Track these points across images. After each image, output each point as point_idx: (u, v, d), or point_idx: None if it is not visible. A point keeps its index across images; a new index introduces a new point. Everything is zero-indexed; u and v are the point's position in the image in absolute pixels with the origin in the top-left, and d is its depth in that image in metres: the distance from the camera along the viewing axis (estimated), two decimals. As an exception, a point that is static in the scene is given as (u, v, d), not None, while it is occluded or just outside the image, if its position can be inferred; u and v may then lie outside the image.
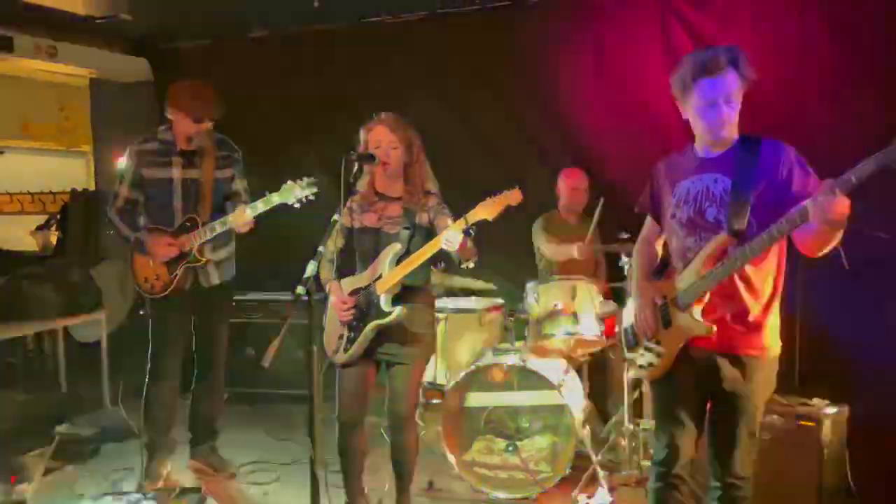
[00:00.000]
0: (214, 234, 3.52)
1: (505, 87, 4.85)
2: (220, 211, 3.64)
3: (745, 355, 2.30)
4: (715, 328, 2.28)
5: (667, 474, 2.48)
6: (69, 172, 7.81)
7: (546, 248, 4.24)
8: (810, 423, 3.07)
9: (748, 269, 2.26)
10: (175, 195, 3.55)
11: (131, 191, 3.58)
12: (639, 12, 4.40)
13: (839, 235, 2.07)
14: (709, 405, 2.44)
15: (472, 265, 2.84)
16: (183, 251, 3.52)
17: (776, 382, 2.42)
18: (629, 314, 2.60)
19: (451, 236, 2.66)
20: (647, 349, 2.48)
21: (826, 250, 2.15)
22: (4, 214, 6.92)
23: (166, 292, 3.55)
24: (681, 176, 2.41)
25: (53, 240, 6.59)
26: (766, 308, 2.32)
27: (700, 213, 2.32)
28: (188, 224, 3.54)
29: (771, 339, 2.34)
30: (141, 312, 4.26)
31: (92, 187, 6.68)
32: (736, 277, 2.26)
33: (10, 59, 5.20)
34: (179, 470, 3.85)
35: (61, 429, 4.15)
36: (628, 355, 2.61)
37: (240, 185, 3.74)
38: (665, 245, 2.58)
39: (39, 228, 6.82)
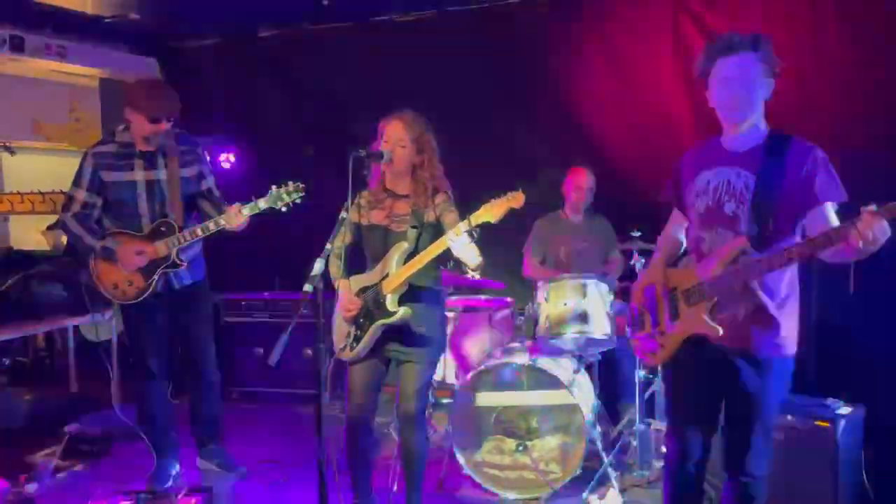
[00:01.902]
0: (197, 237, 3.46)
1: (515, 85, 4.83)
2: (191, 211, 3.59)
3: (761, 355, 2.26)
4: (721, 330, 2.24)
5: (678, 472, 2.47)
6: (80, 172, 7.81)
7: (527, 267, 4.30)
8: (826, 424, 3.03)
9: None
10: (140, 198, 3.45)
11: (89, 195, 3.44)
12: (650, 10, 4.38)
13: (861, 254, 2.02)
14: (723, 404, 2.41)
15: (477, 276, 2.82)
16: (156, 257, 3.43)
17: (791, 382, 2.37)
18: (636, 297, 2.59)
19: (457, 238, 2.64)
20: (651, 336, 2.46)
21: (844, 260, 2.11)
22: (15, 214, 6.91)
23: (141, 298, 3.46)
24: (703, 166, 2.37)
25: (64, 239, 6.59)
26: (781, 307, 2.27)
27: (718, 205, 2.29)
28: (163, 229, 3.46)
29: (787, 338, 2.29)
30: (103, 316, 4.23)
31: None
32: None
33: (21, 58, 5.21)
34: (189, 470, 3.86)
35: (71, 428, 4.14)
36: (631, 337, 2.60)
37: (210, 181, 3.67)
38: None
39: (50, 228, 6.82)
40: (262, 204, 3.37)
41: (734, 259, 2.21)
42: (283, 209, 3.36)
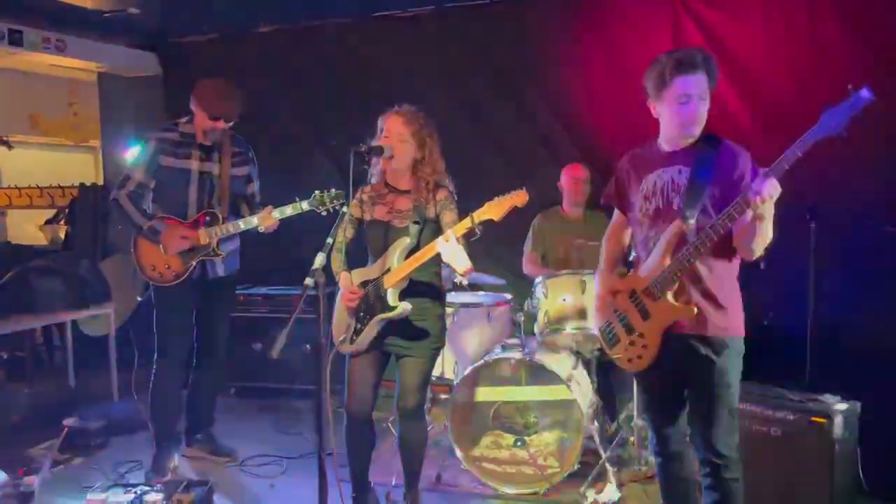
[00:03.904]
0: (238, 230, 3.62)
1: (514, 82, 4.83)
2: (233, 208, 3.74)
3: (714, 335, 2.41)
4: (696, 308, 2.38)
5: (663, 453, 2.65)
6: (78, 167, 7.83)
7: (527, 263, 4.31)
8: (822, 420, 3.05)
9: (709, 253, 2.37)
10: (191, 186, 3.62)
11: (146, 176, 3.60)
12: (650, 8, 4.37)
13: (764, 228, 2.22)
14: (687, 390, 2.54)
15: (465, 282, 2.85)
16: (197, 244, 3.57)
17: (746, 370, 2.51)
18: (601, 313, 2.69)
19: (450, 251, 2.65)
20: (632, 343, 2.55)
21: (758, 248, 2.29)
22: (13, 208, 6.94)
23: (176, 281, 3.59)
24: (647, 170, 2.52)
25: (62, 234, 6.61)
26: (728, 292, 2.44)
27: (667, 203, 2.44)
28: (207, 218, 3.62)
29: (735, 319, 2.45)
30: (139, 298, 4.33)
31: (100, 182, 6.70)
32: (698, 262, 2.37)
33: (20, 52, 5.20)
34: (187, 463, 3.88)
35: (69, 421, 4.15)
36: (611, 353, 2.68)
37: (255, 186, 3.86)
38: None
39: (48, 222, 6.84)
40: (305, 205, 3.51)
41: (677, 246, 2.37)
42: (324, 213, 3.48)
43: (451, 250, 2.66)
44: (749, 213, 2.19)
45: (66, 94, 7.64)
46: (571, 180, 4.24)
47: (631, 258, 2.89)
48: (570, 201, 4.29)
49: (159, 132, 3.64)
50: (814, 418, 3.06)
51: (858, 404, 3.16)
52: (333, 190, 3.47)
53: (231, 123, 3.63)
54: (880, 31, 3.77)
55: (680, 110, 2.37)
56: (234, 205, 3.78)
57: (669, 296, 2.41)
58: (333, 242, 2.58)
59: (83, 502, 3.16)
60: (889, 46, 3.73)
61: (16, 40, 5.04)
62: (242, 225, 3.60)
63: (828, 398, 3.16)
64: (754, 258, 2.34)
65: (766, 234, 2.25)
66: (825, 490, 3.02)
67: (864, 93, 2.03)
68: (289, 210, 3.55)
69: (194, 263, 3.60)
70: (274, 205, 3.61)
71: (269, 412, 4.80)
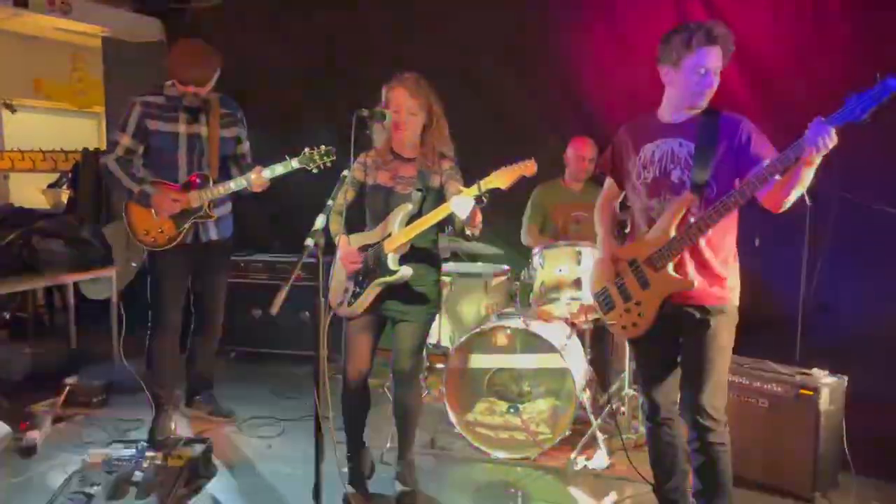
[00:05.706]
0: (229, 192, 3.62)
1: (517, 54, 4.84)
2: (223, 170, 3.74)
3: (710, 304, 2.45)
4: (696, 282, 2.42)
5: (653, 418, 2.70)
6: (81, 132, 7.83)
7: (526, 235, 4.32)
8: (810, 392, 3.11)
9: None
10: (180, 149, 3.61)
11: (133, 141, 3.58)
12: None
13: (809, 177, 2.23)
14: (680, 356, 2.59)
15: (476, 233, 2.87)
16: (188, 207, 3.58)
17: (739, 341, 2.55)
18: (599, 277, 2.71)
19: (462, 202, 2.68)
20: (627, 310, 2.58)
21: (793, 198, 2.29)
22: (17, 171, 6.96)
23: (170, 245, 3.61)
24: (646, 139, 2.55)
25: (64, 198, 6.63)
26: (725, 263, 2.48)
27: (665, 174, 2.47)
28: (199, 181, 3.61)
29: (732, 290, 2.50)
30: (133, 264, 4.37)
31: (103, 147, 6.72)
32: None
33: (25, 14, 5.20)
34: (185, 424, 3.95)
35: (71, 380, 4.21)
36: (606, 318, 2.72)
37: (245, 146, 3.84)
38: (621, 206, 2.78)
39: (51, 186, 6.86)
40: (295, 163, 3.51)
41: (684, 217, 2.41)
42: (315, 170, 3.48)
43: (467, 210, 2.68)
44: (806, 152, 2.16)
45: (70, 60, 7.63)
46: (576, 158, 4.24)
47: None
48: (572, 175, 4.31)
49: (143, 96, 3.59)
50: (802, 391, 3.13)
51: (846, 379, 3.23)
52: (323, 147, 3.46)
53: (205, 88, 3.54)
54: (887, 9, 3.76)
55: (698, 80, 2.40)
56: (224, 167, 3.76)
57: (670, 267, 2.44)
58: (333, 205, 2.62)
59: (85, 456, 3.23)
60: (893, 29, 3.73)
61: (21, 1, 5.04)
62: (233, 185, 3.59)
63: (816, 372, 3.23)
64: (781, 209, 2.34)
65: (806, 183, 2.26)
66: (810, 460, 3.09)
67: (892, 81, 2.04)
68: (279, 168, 3.54)
69: (187, 226, 3.61)
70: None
71: (267, 376, 4.86)
